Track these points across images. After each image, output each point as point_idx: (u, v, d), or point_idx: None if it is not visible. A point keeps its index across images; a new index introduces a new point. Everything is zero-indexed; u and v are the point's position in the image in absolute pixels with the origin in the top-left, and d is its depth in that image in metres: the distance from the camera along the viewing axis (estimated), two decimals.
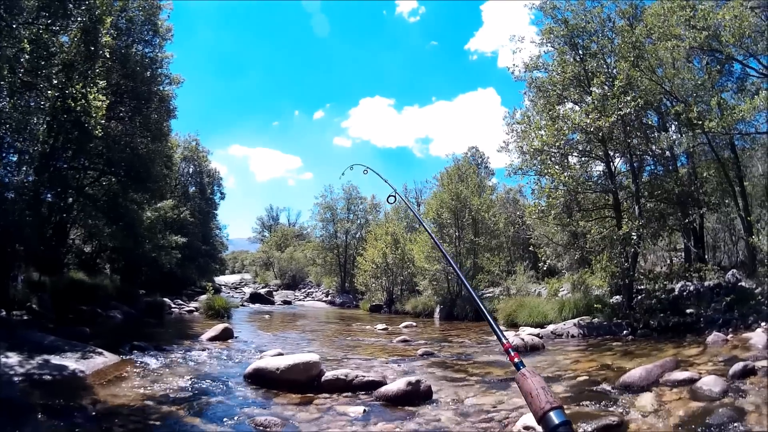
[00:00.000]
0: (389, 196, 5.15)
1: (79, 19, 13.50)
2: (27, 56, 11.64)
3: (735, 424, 6.61)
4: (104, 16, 14.21)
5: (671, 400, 7.90)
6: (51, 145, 16.26)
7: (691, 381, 8.55)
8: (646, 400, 8.00)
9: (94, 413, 7.52)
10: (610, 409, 7.78)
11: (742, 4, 14.21)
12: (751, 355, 10.17)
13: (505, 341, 2.22)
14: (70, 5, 12.95)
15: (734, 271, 16.79)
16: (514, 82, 20.72)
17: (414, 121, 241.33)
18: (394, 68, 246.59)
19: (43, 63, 12.63)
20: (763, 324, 12.62)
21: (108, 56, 16.04)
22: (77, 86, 13.86)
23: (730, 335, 12.52)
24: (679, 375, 8.96)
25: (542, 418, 1.80)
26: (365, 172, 5.93)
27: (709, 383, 8.09)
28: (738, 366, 8.83)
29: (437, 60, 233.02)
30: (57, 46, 13.38)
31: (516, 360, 2.08)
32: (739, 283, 15.77)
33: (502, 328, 17.28)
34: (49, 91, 13.30)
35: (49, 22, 12.73)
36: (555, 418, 1.78)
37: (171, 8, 22.14)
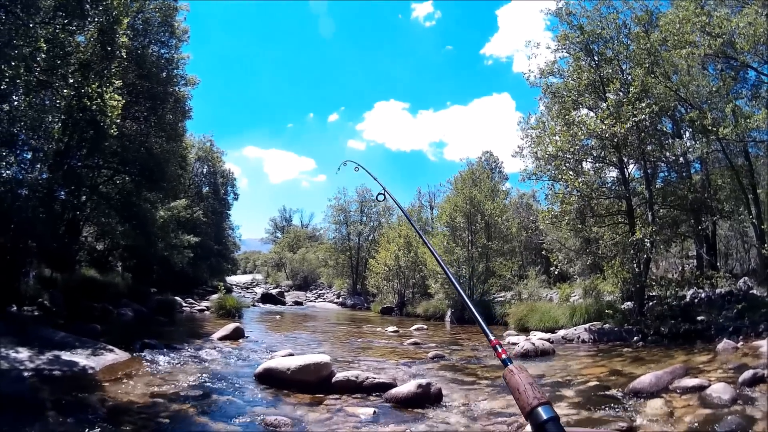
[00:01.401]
0: (378, 194, 5.15)
1: (96, 19, 13.57)
2: (43, 55, 11.72)
3: None
4: (121, 16, 14.27)
5: (680, 407, 7.88)
6: (66, 144, 16.33)
7: (701, 388, 8.51)
8: (656, 406, 7.99)
9: (104, 410, 7.56)
10: (620, 414, 7.78)
11: (757, 11, 14.16)
12: (762, 363, 10.09)
13: (492, 338, 2.21)
14: (87, 5, 13.02)
15: (746, 278, 16.74)
16: (530, 87, 20.67)
17: (428, 125, 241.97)
18: (409, 72, 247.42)
19: (59, 62, 12.72)
20: None
21: (124, 56, 16.14)
22: (93, 86, 13.94)
23: (741, 343, 12.43)
24: (689, 382, 8.92)
25: (530, 414, 1.79)
26: (356, 169, 5.93)
27: (719, 390, 8.06)
28: (748, 374, 8.77)
29: (452, 64, 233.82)
30: (73, 46, 13.49)
31: (503, 356, 2.07)
32: (751, 291, 15.73)
33: (512, 332, 17.32)
34: (65, 90, 13.37)
35: (65, 21, 12.81)
36: (543, 413, 1.76)
37: (188, 10, 22.24)
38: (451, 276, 2.92)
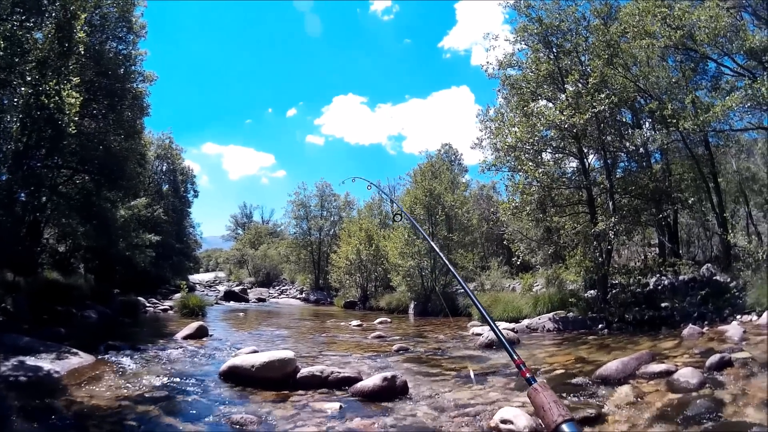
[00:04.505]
0: (395, 214, 5.19)
1: (53, 15, 13.37)
2: (0, 53, 11.51)
3: (712, 415, 6.67)
4: (78, 11, 14.07)
5: (648, 392, 7.96)
6: (24, 144, 16.07)
7: (668, 373, 8.63)
8: (624, 392, 8.05)
9: (70, 414, 7.46)
10: (588, 401, 7.85)
11: (718, 4, 14.34)
12: (728, 347, 10.26)
13: (516, 358, 2.25)
14: (45, 1, 12.83)
15: (709, 265, 16.96)
16: (488, 80, 20.69)
17: (387, 118, 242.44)
18: (367, 66, 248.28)
19: (16, 60, 12.49)
20: (738, 317, 12.78)
21: (82, 53, 15.87)
22: (51, 83, 13.69)
23: (706, 328, 12.65)
24: (656, 367, 9.06)
25: (555, 431, 1.83)
26: (368, 187, 5.97)
27: (686, 375, 8.15)
28: (715, 358, 8.92)
29: (411, 58, 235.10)
30: (31, 43, 13.24)
31: (527, 375, 2.13)
32: (714, 277, 15.93)
33: (476, 323, 17.31)
34: (23, 88, 13.16)
35: (23, 18, 12.61)
36: (567, 429, 1.81)
37: (145, 6, 21.98)
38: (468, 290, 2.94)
